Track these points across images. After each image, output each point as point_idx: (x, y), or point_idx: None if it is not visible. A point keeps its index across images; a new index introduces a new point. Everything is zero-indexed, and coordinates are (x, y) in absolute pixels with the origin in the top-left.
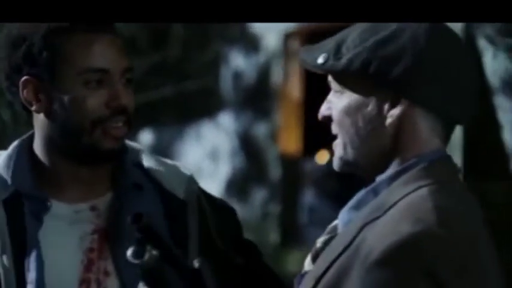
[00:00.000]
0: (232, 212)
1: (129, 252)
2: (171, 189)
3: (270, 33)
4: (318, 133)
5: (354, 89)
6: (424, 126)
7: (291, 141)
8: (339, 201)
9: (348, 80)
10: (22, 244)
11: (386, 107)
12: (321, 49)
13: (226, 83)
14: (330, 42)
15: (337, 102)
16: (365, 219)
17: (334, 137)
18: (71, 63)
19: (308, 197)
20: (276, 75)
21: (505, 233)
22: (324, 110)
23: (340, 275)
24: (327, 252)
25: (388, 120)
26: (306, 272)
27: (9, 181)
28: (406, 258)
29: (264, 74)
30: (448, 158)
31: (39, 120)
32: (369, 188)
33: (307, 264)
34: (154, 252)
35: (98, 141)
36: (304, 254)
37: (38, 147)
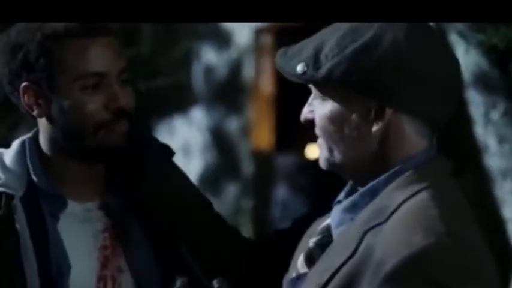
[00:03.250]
0: None
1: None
2: None
3: (241, 29)
4: (290, 128)
5: (335, 98)
6: (410, 130)
7: (263, 137)
8: (311, 197)
9: (329, 89)
10: (44, 242)
11: (371, 115)
12: (298, 56)
13: (197, 79)
14: (307, 49)
15: (319, 108)
16: (366, 224)
17: (311, 134)
18: (67, 69)
19: (280, 192)
20: (248, 71)
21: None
22: (306, 113)
23: (347, 283)
24: (326, 257)
25: (374, 128)
26: (300, 275)
27: (25, 178)
28: (420, 272)
29: (235, 69)
30: (439, 157)
31: (43, 123)
32: (363, 190)
33: (301, 265)
34: (185, 279)
35: (103, 141)
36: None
37: (44, 146)
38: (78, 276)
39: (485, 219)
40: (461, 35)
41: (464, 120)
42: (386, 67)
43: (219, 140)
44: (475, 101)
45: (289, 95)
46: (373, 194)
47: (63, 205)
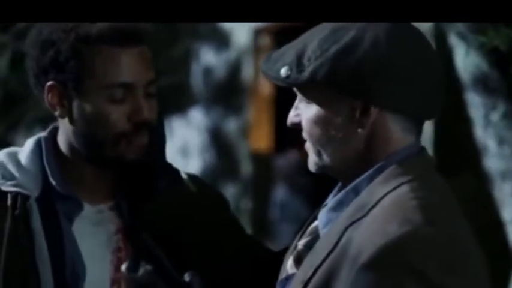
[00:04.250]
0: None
1: (124, 266)
2: None
3: (240, 30)
4: (289, 129)
5: (320, 100)
6: (396, 127)
7: (262, 138)
8: (310, 197)
9: (313, 92)
10: (59, 243)
11: (356, 115)
12: (281, 60)
13: (196, 80)
14: (290, 52)
15: (305, 111)
16: (348, 220)
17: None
18: (97, 76)
19: (279, 192)
20: (247, 72)
21: (473, 226)
22: (292, 117)
23: (328, 277)
24: (311, 255)
25: (360, 128)
26: (289, 276)
27: (40, 179)
28: (396, 260)
29: (234, 70)
30: (423, 152)
31: (64, 124)
32: (348, 188)
33: (290, 267)
34: (148, 266)
35: (123, 153)
36: (276, 249)
37: (62, 147)
38: (92, 279)
39: (484, 220)
40: (462, 36)
41: (464, 122)
42: (368, 66)
43: (218, 141)
44: (475, 103)
45: (288, 96)
46: (356, 190)
47: (79, 208)
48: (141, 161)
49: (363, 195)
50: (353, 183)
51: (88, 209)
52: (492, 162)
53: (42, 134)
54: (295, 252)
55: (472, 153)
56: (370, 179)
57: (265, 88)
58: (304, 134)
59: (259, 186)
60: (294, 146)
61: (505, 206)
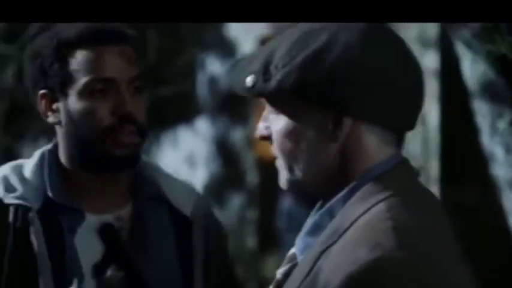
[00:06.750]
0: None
1: (93, 265)
2: (178, 206)
3: (246, 39)
4: None
5: (289, 111)
6: (372, 139)
7: (268, 147)
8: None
9: (281, 102)
10: (61, 255)
11: (328, 127)
12: (248, 68)
13: (202, 89)
14: (257, 60)
15: (275, 123)
16: (320, 247)
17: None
18: (78, 74)
19: (286, 202)
20: None
21: (481, 235)
22: (261, 129)
23: None
24: (288, 284)
25: (333, 140)
26: None
27: (42, 191)
28: None
29: None
30: (403, 163)
31: (59, 132)
32: (323, 210)
33: None
34: (120, 273)
35: (110, 150)
36: (282, 259)
37: (62, 158)
38: None
39: (492, 229)
40: (468, 45)
41: (470, 130)
42: (340, 74)
43: (224, 150)
44: (482, 111)
45: None
46: (331, 213)
47: (81, 218)
48: (129, 159)
49: (337, 219)
50: (326, 206)
51: (92, 218)
52: (500, 171)
53: (48, 146)
54: (274, 282)
55: (479, 162)
56: (346, 199)
57: None
58: (274, 149)
59: (266, 195)
60: None
61: None
